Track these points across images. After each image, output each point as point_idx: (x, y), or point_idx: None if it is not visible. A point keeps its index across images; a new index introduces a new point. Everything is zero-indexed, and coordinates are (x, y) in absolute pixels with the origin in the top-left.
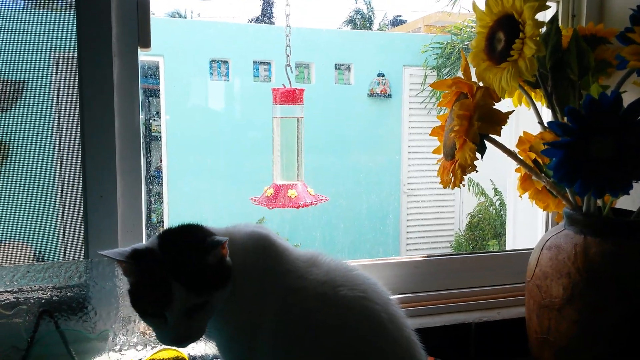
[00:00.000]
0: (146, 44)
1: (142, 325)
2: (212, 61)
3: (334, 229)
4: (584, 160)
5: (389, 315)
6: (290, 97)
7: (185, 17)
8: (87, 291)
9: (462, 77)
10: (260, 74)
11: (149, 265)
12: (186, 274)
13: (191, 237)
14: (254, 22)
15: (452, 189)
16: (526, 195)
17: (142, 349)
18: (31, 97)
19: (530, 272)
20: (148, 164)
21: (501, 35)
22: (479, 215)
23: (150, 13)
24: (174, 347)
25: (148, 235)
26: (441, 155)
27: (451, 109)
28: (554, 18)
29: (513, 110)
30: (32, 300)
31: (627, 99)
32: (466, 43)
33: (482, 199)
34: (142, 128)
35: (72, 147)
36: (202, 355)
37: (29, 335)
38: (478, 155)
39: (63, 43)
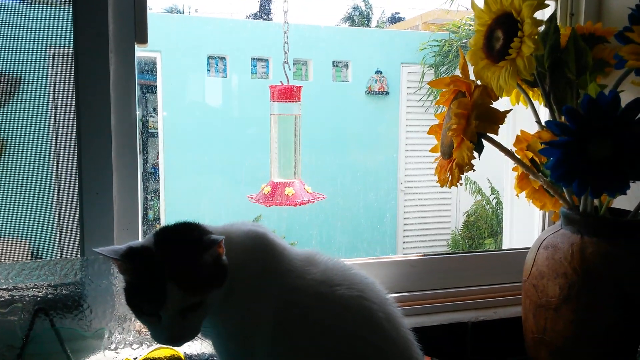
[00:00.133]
0: (143, 39)
1: (138, 324)
2: (209, 57)
3: (331, 227)
4: (582, 160)
5: (386, 315)
6: (288, 94)
7: (183, 13)
8: (82, 289)
9: (460, 76)
10: (258, 71)
11: (144, 263)
12: (182, 273)
13: (187, 235)
14: (252, 18)
15: (450, 187)
16: (523, 194)
17: (137, 348)
18: (27, 92)
19: (526, 272)
20: (145, 160)
21: (499, 33)
22: (476, 214)
23: (148, 9)
24: (169, 346)
25: (144, 233)
26: (439, 154)
27: (449, 108)
28: (553, 17)
29: (511, 109)
30: (27, 298)
31: (625, 98)
32: (464, 41)
33: (479, 198)
34: (138, 124)
35: (68, 143)
36: (198, 354)
37: (24, 334)
38: (475, 154)
39: (60, 38)
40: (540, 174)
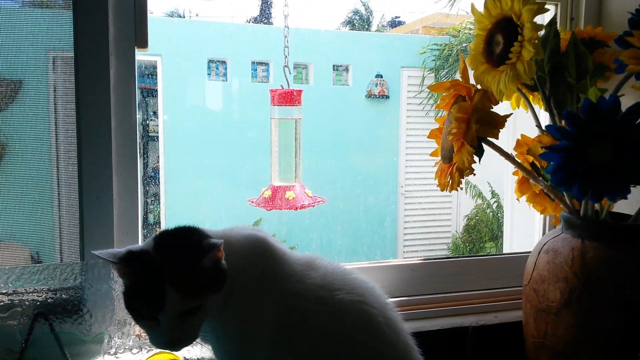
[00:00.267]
0: (143, 44)
1: (138, 328)
2: (210, 61)
3: (331, 231)
4: (582, 164)
5: (386, 319)
6: (288, 98)
7: (184, 17)
8: (82, 293)
9: (460, 80)
10: (258, 75)
11: (144, 267)
12: (181, 277)
13: (187, 239)
14: (252, 22)
15: (450, 192)
16: (524, 198)
17: (137, 352)
18: (28, 96)
19: (527, 276)
20: (145, 164)
21: (499, 38)
22: (476, 218)
23: (148, 12)
24: (168, 351)
25: (145, 237)
26: (439, 158)
27: (449, 112)
28: (553, 21)
29: (511, 114)
30: (27, 303)
31: (625, 102)
32: (464, 45)
33: (480, 201)
34: (139, 128)
35: (69, 147)
36: (198, 358)
37: (24, 338)
38: (476, 158)
39: (60, 42)
40: (541, 178)
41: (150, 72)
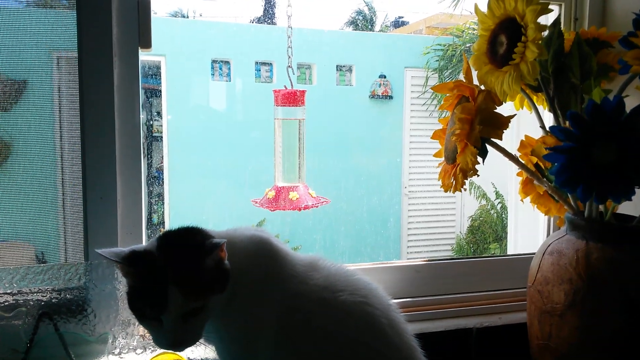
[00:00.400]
0: (147, 44)
1: (142, 329)
2: (213, 61)
3: (334, 232)
4: (586, 166)
5: (389, 321)
6: (292, 98)
7: (187, 17)
8: (86, 294)
9: (464, 80)
10: (262, 75)
11: (147, 267)
12: (184, 278)
13: (190, 240)
14: (256, 22)
15: (453, 192)
16: (528, 199)
17: (141, 352)
18: (32, 96)
19: (531, 277)
20: (149, 164)
21: (503, 38)
22: (481, 218)
23: (152, 13)
24: (172, 351)
25: (149, 237)
26: (442, 159)
27: (452, 112)
28: (557, 21)
29: (515, 114)
30: (31, 303)
31: (630, 103)
32: (468, 45)
33: (484, 202)
34: (143, 128)
35: (73, 147)
36: (201, 359)
37: (28, 338)
38: (479, 159)
39: (64, 42)
40: (545, 179)
41: (154, 72)
